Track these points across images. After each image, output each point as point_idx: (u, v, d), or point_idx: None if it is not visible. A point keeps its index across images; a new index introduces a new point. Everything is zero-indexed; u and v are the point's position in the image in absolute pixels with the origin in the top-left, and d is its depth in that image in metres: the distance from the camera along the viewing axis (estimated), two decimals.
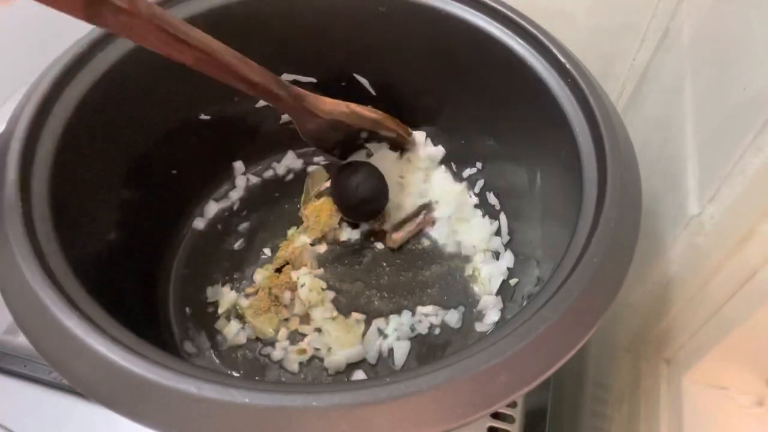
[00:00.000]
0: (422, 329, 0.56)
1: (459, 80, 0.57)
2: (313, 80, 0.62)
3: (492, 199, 0.62)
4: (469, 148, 0.63)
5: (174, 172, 0.61)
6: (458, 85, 0.58)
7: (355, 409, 0.29)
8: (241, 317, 0.56)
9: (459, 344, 0.55)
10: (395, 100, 0.63)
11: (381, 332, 0.55)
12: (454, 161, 0.66)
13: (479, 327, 0.56)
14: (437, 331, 0.56)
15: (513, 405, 0.52)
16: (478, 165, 0.63)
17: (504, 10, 0.49)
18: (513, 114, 0.54)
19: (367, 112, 0.57)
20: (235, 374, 0.53)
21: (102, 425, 0.50)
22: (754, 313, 0.35)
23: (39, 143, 0.41)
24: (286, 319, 0.56)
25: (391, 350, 0.54)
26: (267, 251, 0.61)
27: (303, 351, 0.54)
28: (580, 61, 0.47)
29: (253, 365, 0.54)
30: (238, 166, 0.67)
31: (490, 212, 0.63)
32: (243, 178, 0.67)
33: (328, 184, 0.64)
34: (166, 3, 0.50)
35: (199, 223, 0.63)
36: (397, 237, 0.61)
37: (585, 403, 0.62)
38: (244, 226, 0.64)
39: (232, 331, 0.55)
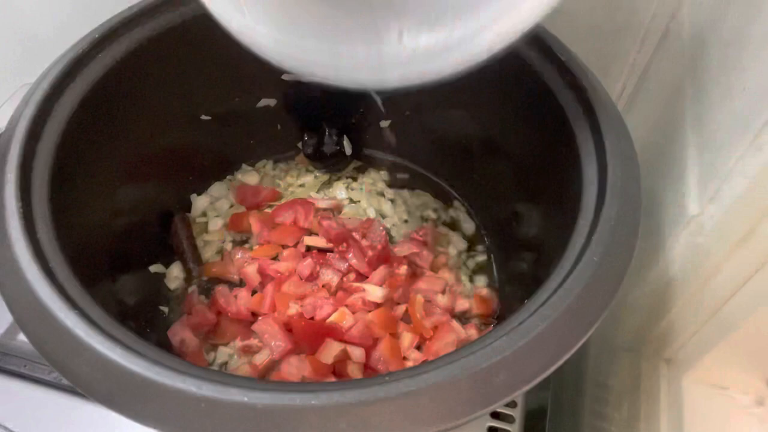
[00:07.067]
0: None
1: (458, 78, 0.57)
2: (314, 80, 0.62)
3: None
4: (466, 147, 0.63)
5: (174, 172, 0.61)
6: (457, 83, 0.57)
7: (354, 407, 0.29)
8: None
9: None
10: (398, 102, 0.64)
11: None
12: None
13: None
14: None
15: (513, 405, 0.52)
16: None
17: None
18: (513, 113, 0.54)
19: None
20: None
21: (102, 425, 0.50)
22: (754, 313, 0.35)
23: (39, 143, 0.41)
24: None
25: None
26: None
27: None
28: (580, 59, 0.47)
29: None
30: None
31: None
32: None
33: None
34: (167, 3, 0.50)
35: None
36: None
37: (585, 403, 0.62)
38: None
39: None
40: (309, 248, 0.61)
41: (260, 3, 0.36)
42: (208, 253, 0.62)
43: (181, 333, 0.54)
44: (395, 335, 0.54)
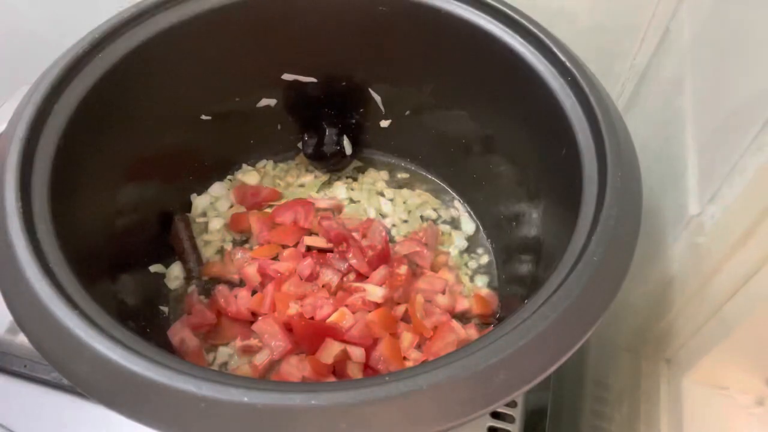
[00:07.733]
0: None
1: (458, 78, 0.57)
2: (314, 80, 0.62)
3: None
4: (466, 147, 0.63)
5: (174, 172, 0.61)
6: (457, 82, 0.58)
7: (354, 407, 0.29)
8: None
9: None
10: (398, 102, 0.64)
11: None
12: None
13: None
14: None
15: (513, 405, 0.52)
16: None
17: (505, 9, 0.49)
18: (513, 113, 0.54)
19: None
20: None
21: (102, 425, 0.50)
22: (754, 313, 0.35)
23: (39, 144, 0.41)
24: None
25: None
26: None
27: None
28: (580, 59, 0.47)
29: None
30: None
31: None
32: None
33: None
34: (167, 3, 0.50)
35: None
36: None
37: (585, 403, 0.62)
38: None
39: None
40: (309, 248, 0.61)
41: None
42: (208, 253, 0.62)
43: (181, 333, 0.54)
44: (395, 335, 0.54)
